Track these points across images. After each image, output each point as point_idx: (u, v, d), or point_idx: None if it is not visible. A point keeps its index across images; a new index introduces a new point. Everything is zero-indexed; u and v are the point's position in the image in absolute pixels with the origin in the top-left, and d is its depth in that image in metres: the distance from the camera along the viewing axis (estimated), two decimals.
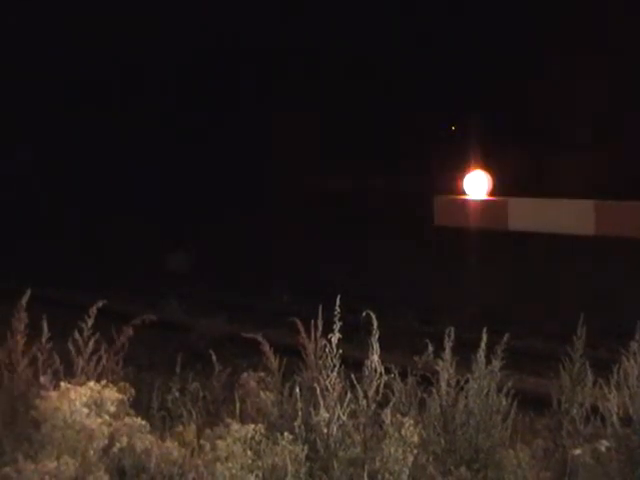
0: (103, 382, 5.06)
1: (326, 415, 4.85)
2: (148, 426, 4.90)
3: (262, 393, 5.30)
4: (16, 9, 19.41)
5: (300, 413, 4.84)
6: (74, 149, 20.47)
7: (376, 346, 5.03)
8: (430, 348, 5.43)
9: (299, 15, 17.84)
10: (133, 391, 5.22)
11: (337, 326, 5.00)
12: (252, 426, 4.73)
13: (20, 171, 21.14)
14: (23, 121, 20.57)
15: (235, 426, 4.73)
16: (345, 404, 4.90)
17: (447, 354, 5.30)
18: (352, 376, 5.06)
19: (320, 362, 5.08)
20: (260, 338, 5.51)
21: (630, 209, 13.61)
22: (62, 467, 4.53)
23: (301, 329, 5.34)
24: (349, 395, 4.95)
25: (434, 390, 5.30)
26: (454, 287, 14.06)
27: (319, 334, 5.22)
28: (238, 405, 5.13)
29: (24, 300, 5.57)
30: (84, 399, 4.82)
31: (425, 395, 5.34)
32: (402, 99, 16.70)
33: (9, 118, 20.04)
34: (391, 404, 5.02)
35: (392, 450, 4.70)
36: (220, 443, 4.64)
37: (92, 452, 4.69)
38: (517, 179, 15.26)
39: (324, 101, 17.25)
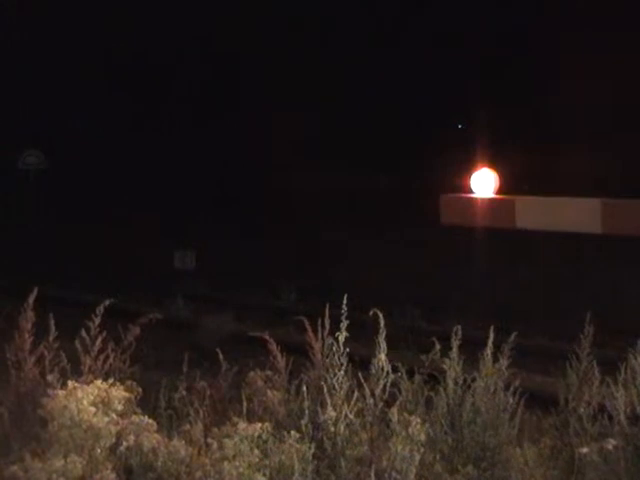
0: (110, 381, 5.05)
1: (333, 414, 4.85)
2: (155, 425, 4.89)
3: (269, 392, 5.30)
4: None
5: (307, 412, 4.84)
6: (79, 150, 20.51)
7: (383, 345, 5.02)
8: (437, 346, 5.42)
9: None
10: (140, 390, 5.22)
11: (344, 324, 5.00)
12: (259, 425, 4.73)
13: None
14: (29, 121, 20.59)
15: (242, 425, 4.73)
16: (352, 403, 4.91)
17: (454, 352, 5.29)
18: (359, 375, 5.06)
19: (327, 361, 5.08)
20: (267, 337, 5.51)
21: (637, 207, 13.58)
22: (69, 466, 4.53)
23: (308, 327, 5.34)
24: (356, 393, 4.95)
25: (441, 388, 5.30)
26: (461, 286, 14.04)
27: (326, 332, 5.22)
28: (245, 404, 5.12)
29: (31, 299, 5.57)
30: (91, 398, 4.82)
31: (432, 394, 5.33)
32: (406, 98, 16.69)
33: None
34: (398, 402, 5.02)
35: (399, 448, 4.70)
36: (227, 442, 4.64)
37: (99, 451, 4.69)
38: (524, 177, 15.23)
39: (324, 102, 17.23)
